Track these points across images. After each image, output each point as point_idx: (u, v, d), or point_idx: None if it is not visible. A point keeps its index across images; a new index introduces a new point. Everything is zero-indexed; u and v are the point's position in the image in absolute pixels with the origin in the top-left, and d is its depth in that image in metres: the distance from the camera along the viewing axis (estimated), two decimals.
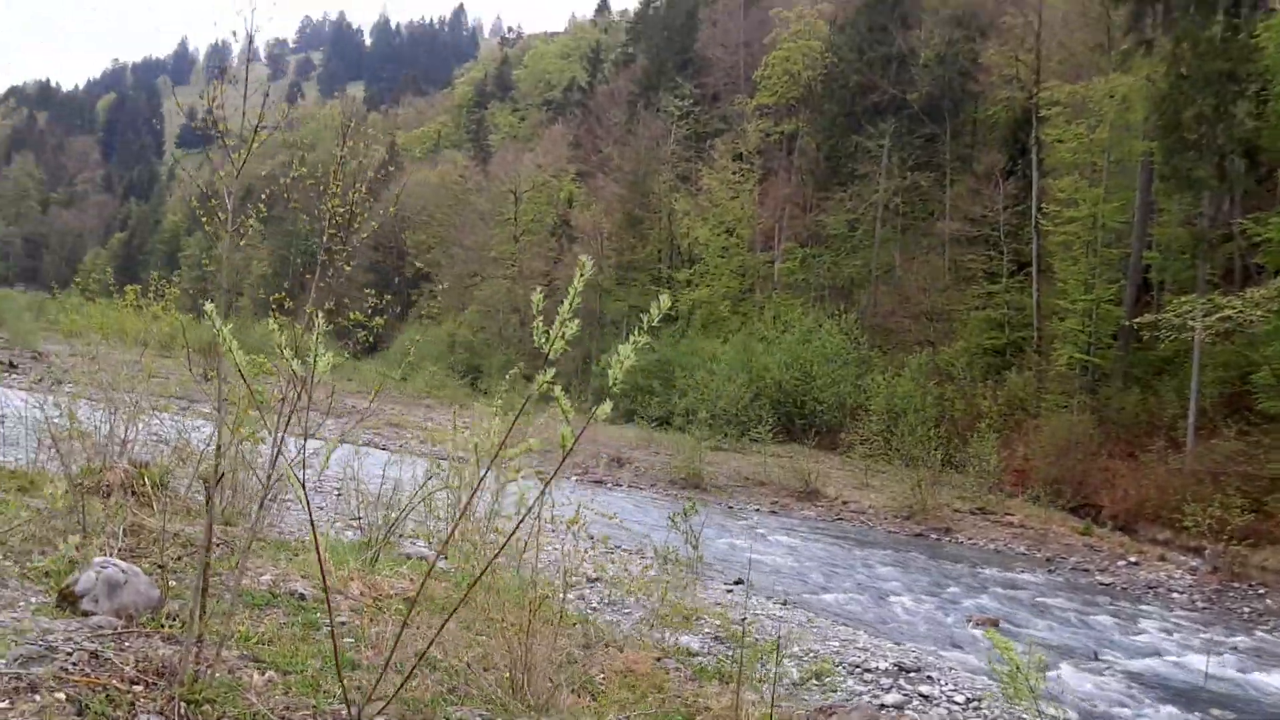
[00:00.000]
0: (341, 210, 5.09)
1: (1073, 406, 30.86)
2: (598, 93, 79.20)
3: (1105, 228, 31.88)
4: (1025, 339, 36.06)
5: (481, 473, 6.45)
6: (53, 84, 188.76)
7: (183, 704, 3.57)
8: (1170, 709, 10.48)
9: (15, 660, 3.76)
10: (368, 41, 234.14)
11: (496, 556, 4.54)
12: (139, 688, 3.69)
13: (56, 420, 7.52)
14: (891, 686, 9.63)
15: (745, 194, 53.33)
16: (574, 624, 7.04)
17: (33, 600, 4.91)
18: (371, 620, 5.53)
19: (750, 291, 52.67)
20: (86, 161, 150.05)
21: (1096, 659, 12.57)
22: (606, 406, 3.06)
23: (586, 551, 9.42)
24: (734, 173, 54.10)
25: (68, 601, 4.75)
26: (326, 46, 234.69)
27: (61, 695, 3.51)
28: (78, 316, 11.20)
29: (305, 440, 3.67)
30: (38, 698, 3.47)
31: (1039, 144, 35.95)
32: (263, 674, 4.24)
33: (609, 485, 25.79)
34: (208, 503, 3.78)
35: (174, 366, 11.35)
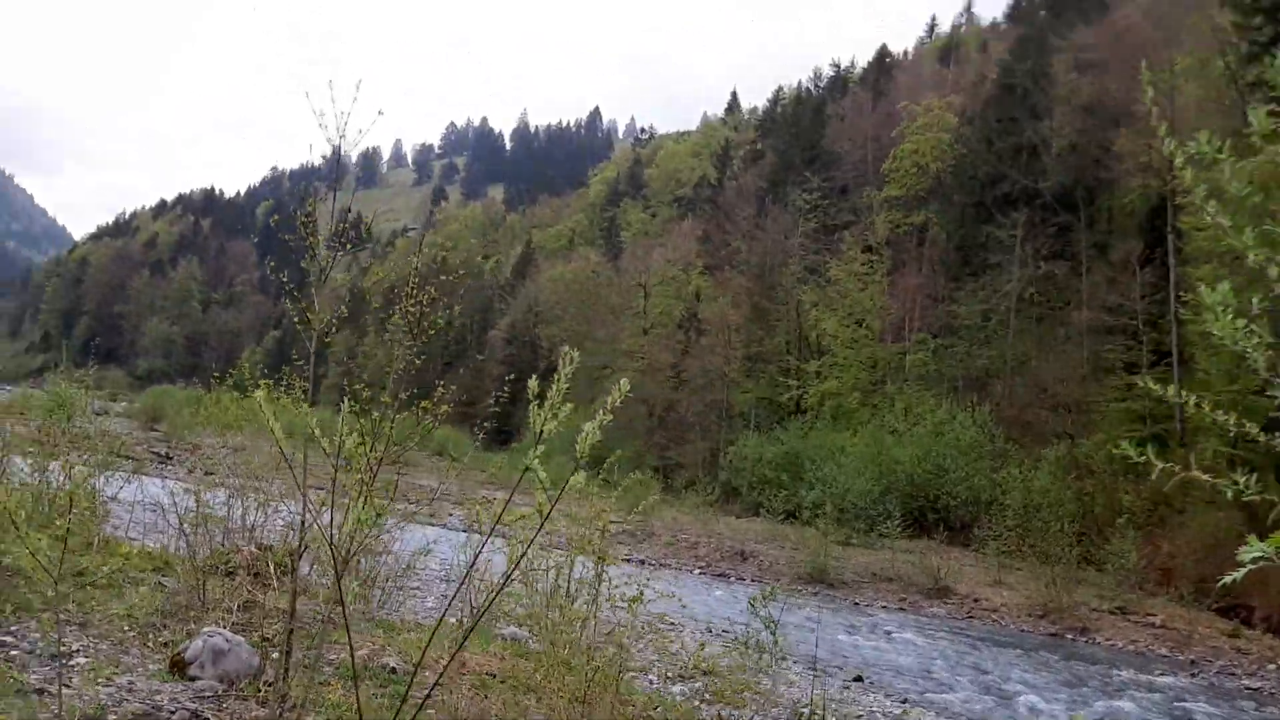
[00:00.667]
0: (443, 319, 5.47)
1: (1221, 502, 29.46)
2: (726, 188, 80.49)
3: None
4: (1168, 431, 34.71)
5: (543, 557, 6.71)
6: (216, 191, 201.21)
7: None
8: None
9: (126, 717, 4.15)
10: (508, 145, 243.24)
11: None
12: None
13: (189, 509, 8.12)
14: None
15: (874, 285, 53.19)
16: (640, 700, 7.20)
17: (151, 667, 5.37)
18: (451, 692, 5.82)
19: (881, 383, 52.10)
20: (245, 264, 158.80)
21: None
22: (580, 476, 3.27)
23: (649, 632, 9.50)
24: (863, 264, 54.10)
25: (178, 667, 5.21)
26: (469, 150, 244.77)
27: None
28: (215, 409, 11.92)
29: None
30: None
31: (1177, 232, 35.06)
32: None
33: (732, 579, 25.68)
34: (292, 576, 4.13)
35: (315, 458, 12.01)
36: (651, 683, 10.02)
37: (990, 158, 49.96)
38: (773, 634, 7.34)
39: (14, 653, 5.37)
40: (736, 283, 63.00)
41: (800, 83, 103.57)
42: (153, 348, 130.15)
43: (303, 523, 4.60)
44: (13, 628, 5.83)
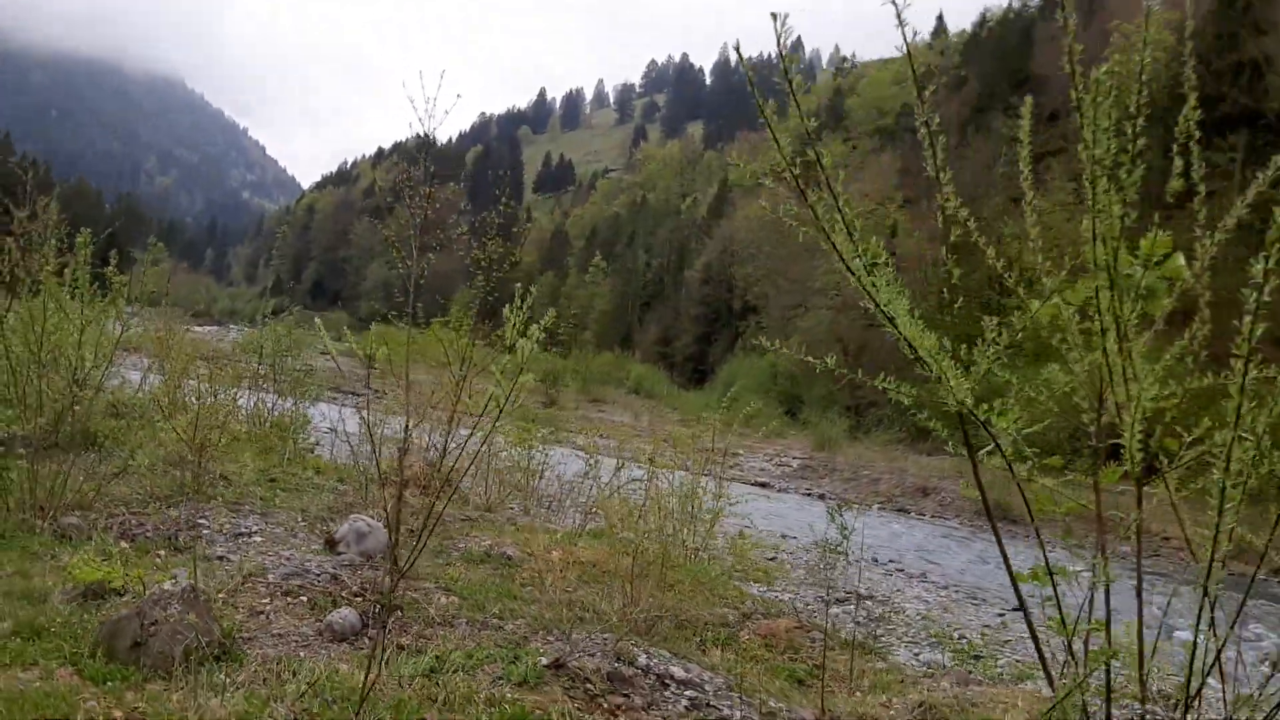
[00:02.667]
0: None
1: None
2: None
3: None
4: None
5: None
6: (430, 138, 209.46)
7: (377, 606, 5.01)
8: None
9: (281, 576, 5.45)
10: (708, 81, 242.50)
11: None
12: (357, 598, 5.20)
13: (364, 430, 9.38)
14: (1145, 714, 9.59)
15: (1079, 215, 51.10)
16: (711, 582, 8.06)
17: (313, 547, 6.76)
18: (552, 574, 6.81)
19: (1087, 317, 50.25)
20: (456, 208, 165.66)
21: None
22: (528, 377, 3.82)
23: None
24: (1070, 194, 52.02)
25: (330, 545, 6.54)
26: (670, 88, 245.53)
27: (304, 598, 5.14)
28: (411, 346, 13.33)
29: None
30: (289, 598, 5.13)
31: None
32: (448, 597, 5.64)
33: (911, 514, 25.89)
34: (399, 468, 5.10)
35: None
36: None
37: (1209, 77, 46.87)
38: (845, 538, 8.10)
39: (205, 532, 6.89)
40: (936, 216, 61.62)
41: (1009, 3, 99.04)
42: (373, 290, 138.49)
43: (406, 429, 5.59)
44: (207, 513, 7.39)
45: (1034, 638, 2.44)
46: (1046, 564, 2.44)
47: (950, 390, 2.52)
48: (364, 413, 15.36)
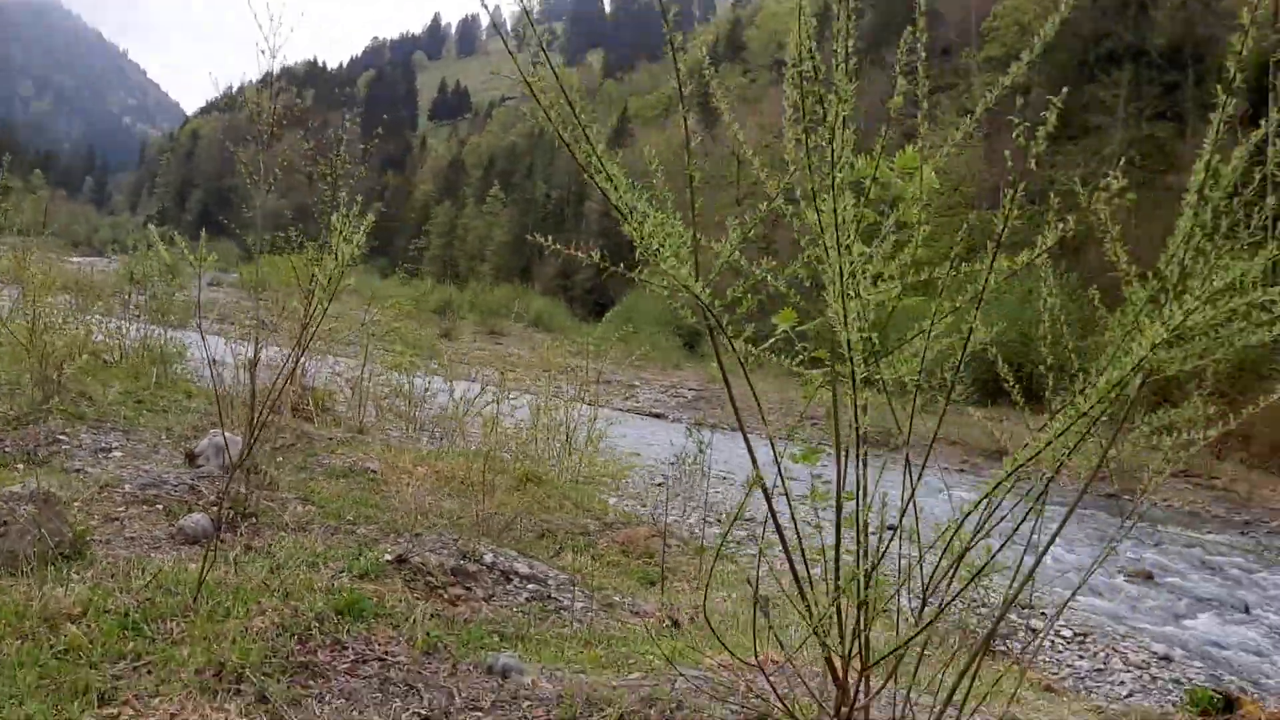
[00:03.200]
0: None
1: None
2: (824, 51, 78.67)
3: None
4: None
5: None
6: (319, 63, 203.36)
7: (231, 512, 5.12)
8: None
9: (138, 486, 5.48)
10: (608, 9, 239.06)
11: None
12: (213, 507, 5.26)
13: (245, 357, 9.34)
14: (1001, 620, 10.16)
15: (972, 150, 52.13)
16: (576, 496, 8.42)
17: (175, 462, 6.79)
18: (412, 485, 6.94)
19: (975, 250, 51.61)
20: (348, 136, 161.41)
21: (1247, 612, 12.50)
22: (349, 280, 3.95)
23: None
24: (960, 129, 53.09)
25: (190, 459, 6.57)
26: (568, 15, 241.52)
27: (160, 506, 5.18)
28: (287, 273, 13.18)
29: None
30: (145, 506, 5.16)
31: (1275, 89, 33.69)
32: (305, 506, 5.75)
33: (799, 440, 26.51)
34: (251, 379, 5.12)
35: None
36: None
37: (1095, 13, 47.97)
38: (701, 451, 8.50)
39: (66, 447, 6.83)
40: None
41: None
42: (263, 221, 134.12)
43: (257, 348, 5.57)
44: (67, 431, 7.33)
45: (772, 514, 2.65)
46: (772, 456, 2.61)
47: (678, 276, 2.65)
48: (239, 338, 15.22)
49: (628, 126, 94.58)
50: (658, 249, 2.56)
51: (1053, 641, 9.77)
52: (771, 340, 2.87)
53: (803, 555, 2.79)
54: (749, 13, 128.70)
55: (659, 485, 14.00)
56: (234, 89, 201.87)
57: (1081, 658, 9.41)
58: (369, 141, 10.39)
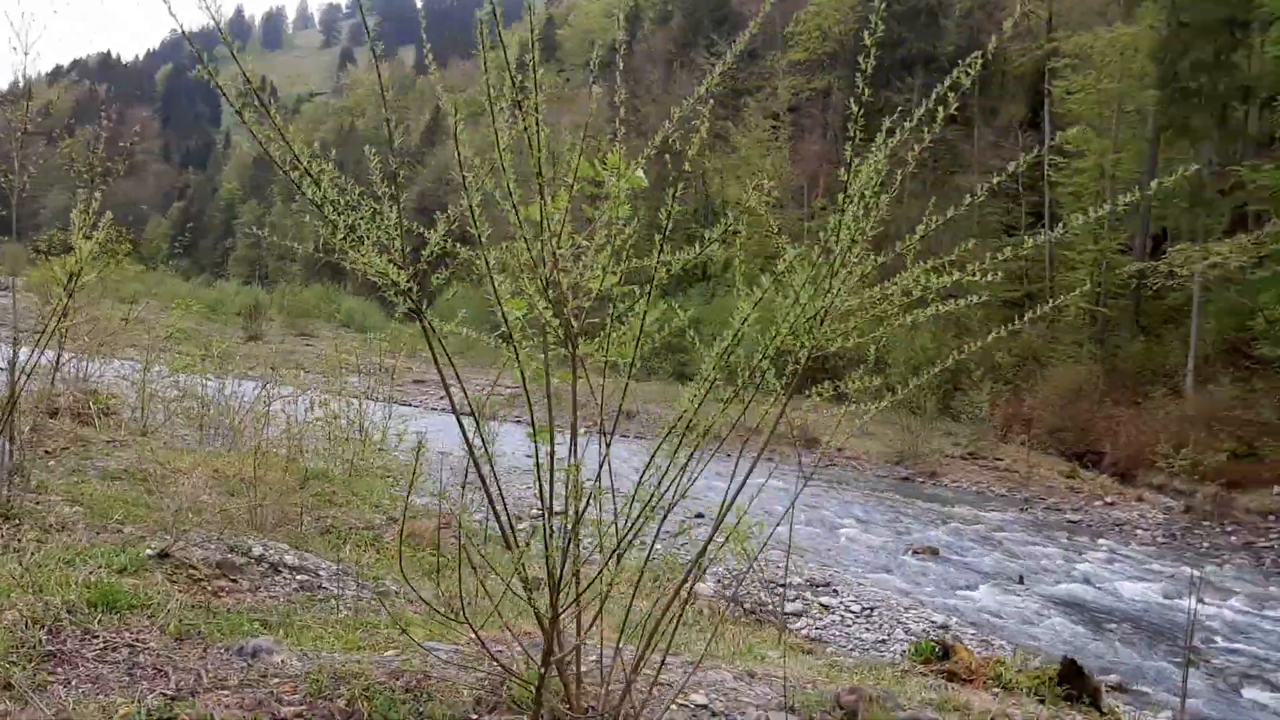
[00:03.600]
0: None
1: (1081, 356, 31.35)
2: (635, 52, 79.66)
3: (1115, 178, 32.15)
4: (1041, 290, 36.45)
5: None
6: (114, 55, 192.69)
7: None
8: (1064, 621, 11.41)
9: None
10: (419, 4, 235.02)
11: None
12: None
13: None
14: (796, 598, 10.67)
15: (777, 151, 53.81)
16: (365, 492, 8.48)
17: None
18: (188, 484, 6.84)
19: (783, 249, 53.18)
20: (146, 132, 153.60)
21: (1021, 582, 13.47)
22: (91, 275, 3.98)
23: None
24: (766, 131, 54.57)
25: None
26: (379, 10, 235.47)
27: None
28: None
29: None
30: None
31: (1050, 96, 36.18)
32: (72, 508, 5.61)
33: (617, 435, 26.84)
34: (11, 384, 4.98)
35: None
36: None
37: (890, 20, 50.26)
38: (486, 445, 8.65)
39: None
40: (643, 150, 63.13)
41: None
42: (53, 220, 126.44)
43: (12, 361, 5.42)
44: None
45: (481, 479, 2.83)
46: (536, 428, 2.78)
47: (373, 264, 2.80)
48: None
49: (442, 123, 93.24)
50: (360, 238, 2.68)
51: (842, 616, 10.31)
52: (501, 331, 3.01)
53: (509, 516, 2.94)
54: (562, 11, 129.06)
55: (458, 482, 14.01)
56: (19, 81, 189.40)
57: (868, 630, 9.98)
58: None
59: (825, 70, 55.49)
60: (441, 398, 32.69)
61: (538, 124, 2.83)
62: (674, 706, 3.61)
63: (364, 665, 3.61)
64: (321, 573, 5.59)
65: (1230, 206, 29.32)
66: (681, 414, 3.08)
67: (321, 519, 7.26)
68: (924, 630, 10.01)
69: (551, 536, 2.74)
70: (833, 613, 10.37)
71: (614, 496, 2.90)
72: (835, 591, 11.09)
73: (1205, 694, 9.60)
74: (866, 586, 11.82)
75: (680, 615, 3.33)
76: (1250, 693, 9.54)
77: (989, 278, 3.03)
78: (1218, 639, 11.57)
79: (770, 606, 10.33)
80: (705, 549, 3.07)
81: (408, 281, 2.74)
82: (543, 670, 2.80)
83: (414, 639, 3.93)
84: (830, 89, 55.72)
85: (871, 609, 10.50)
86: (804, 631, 9.46)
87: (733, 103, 60.01)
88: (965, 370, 33.20)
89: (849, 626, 10.05)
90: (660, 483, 2.96)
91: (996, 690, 5.79)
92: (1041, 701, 5.70)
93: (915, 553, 14.65)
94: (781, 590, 10.69)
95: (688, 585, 3.16)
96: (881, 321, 3.45)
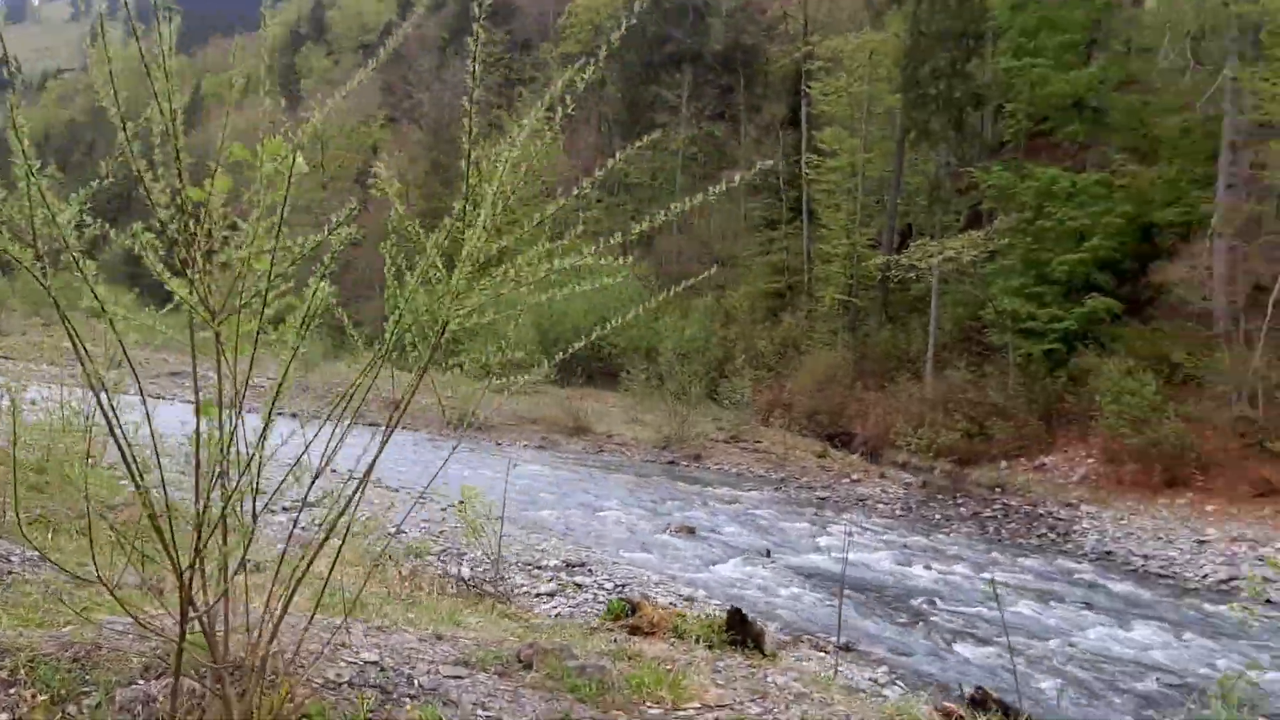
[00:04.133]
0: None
1: (835, 344, 33.15)
2: (409, 37, 78.22)
3: (866, 176, 34.12)
4: (800, 282, 38.29)
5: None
6: None
7: None
8: (803, 590, 12.19)
9: None
10: None
11: None
12: None
13: None
14: (552, 578, 10.94)
15: (550, 142, 54.04)
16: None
17: None
18: None
19: (559, 239, 53.55)
20: None
21: (768, 555, 14.25)
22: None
23: None
24: (539, 121, 54.84)
25: None
26: None
27: None
28: None
29: None
30: None
31: (808, 97, 37.98)
32: None
33: (382, 426, 26.49)
34: None
35: None
36: None
37: (659, 18, 51.47)
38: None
39: None
40: (415, 137, 62.30)
41: None
42: None
43: None
44: None
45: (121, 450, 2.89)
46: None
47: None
48: None
49: (200, 102, 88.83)
50: None
51: (595, 594, 10.66)
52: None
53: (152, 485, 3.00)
54: None
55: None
56: None
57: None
58: None
59: (597, 64, 56.28)
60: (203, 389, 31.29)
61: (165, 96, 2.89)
62: (343, 663, 3.76)
63: (35, 639, 3.58)
64: (14, 559, 5.40)
65: (966, 205, 31.68)
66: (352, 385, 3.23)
67: (30, 509, 6.99)
68: (670, 603, 10.47)
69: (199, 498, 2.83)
70: (585, 591, 10.70)
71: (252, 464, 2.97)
72: (590, 571, 11.44)
73: (923, 649, 10.52)
74: (622, 566, 12.25)
75: (365, 582, 3.48)
76: (961, 647, 10.49)
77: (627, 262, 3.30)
78: (939, 600, 12.62)
79: (502, 582, 10.54)
80: (344, 510, 3.20)
81: (34, 260, 2.74)
82: (181, 624, 2.88)
83: (80, 613, 3.89)
84: (604, 81, 56.57)
85: (623, 585, 10.90)
86: (555, 610, 9.72)
87: (508, 93, 60.00)
88: (730, 357, 34.56)
89: (600, 604, 10.40)
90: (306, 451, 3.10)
91: (673, 640, 6.25)
92: (710, 647, 6.24)
93: (673, 532, 15.24)
94: (534, 571, 10.96)
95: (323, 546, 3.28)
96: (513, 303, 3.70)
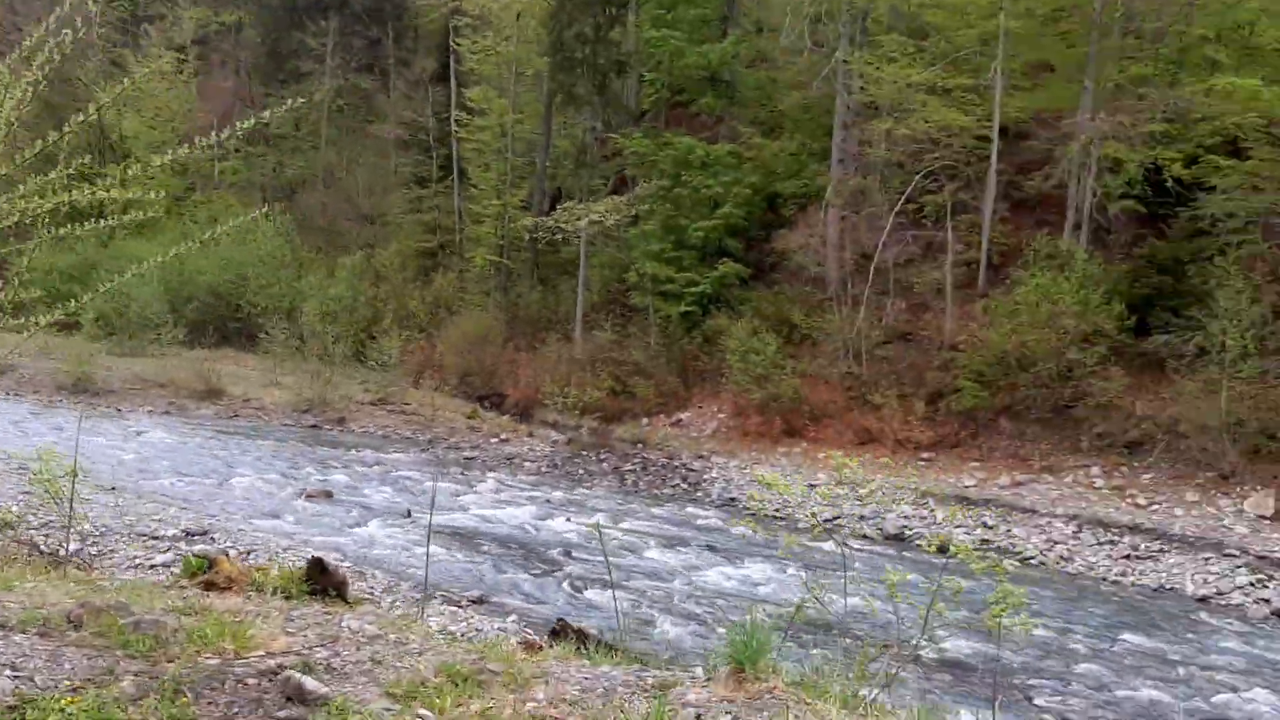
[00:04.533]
0: None
1: (488, 305, 33.21)
2: None
3: (516, 138, 34.31)
4: (452, 241, 37.97)
5: None
6: None
7: None
8: (441, 549, 12.23)
9: None
10: None
11: None
12: None
13: None
14: (169, 548, 10.28)
15: (181, 86, 50.31)
16: None
17: None
18: None
19: (192, 190, 50.06)
20: None
21: (409, 516, 14.15)
22: None
23: None
24: (169, 63, 50.72)
25: None
26: None
27: None
28: None
29: None
30: None
31: (456, 54, 37.55)
32: None
33: None
34: None
35: None
36: None
37: None
38: None
39: None
40: (21, 74, 55.85)
41: None
42: None
43: None
44: None
45: None
46: None
47: None
48: None
49: None
50: None
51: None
52: None
53: None
54: None
55: None
56: None
57: None
58: None
59: (235, 4, 52.80)
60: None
61: None
62: None
63: None
64: None
65: (613, 171, 32.60)
66: None
67: None
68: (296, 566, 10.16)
69: None
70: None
71: None
72: (213, 539, 10.87)
73: (559, 597, 10.86)
74: (249, 532, 11.73)
75: None
76: (591, 593, 10.93)
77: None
78: (575, 551, 13.06)
79: (85, 550, 9.83)
80: None
81: None
82: None
83: None
84: (241, 24, 53.21)
85: (249, 552, 10.43)
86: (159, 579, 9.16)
87: (132, 29, 55.02)
88: (380, 318, 33.75)
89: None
90: None
91: (251, 594, 6.14)
92: (288, 598, 6.19)
93: (310, 497, 14.79)
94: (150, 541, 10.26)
95: None
96: None
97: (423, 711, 3.69)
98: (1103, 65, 22.86)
